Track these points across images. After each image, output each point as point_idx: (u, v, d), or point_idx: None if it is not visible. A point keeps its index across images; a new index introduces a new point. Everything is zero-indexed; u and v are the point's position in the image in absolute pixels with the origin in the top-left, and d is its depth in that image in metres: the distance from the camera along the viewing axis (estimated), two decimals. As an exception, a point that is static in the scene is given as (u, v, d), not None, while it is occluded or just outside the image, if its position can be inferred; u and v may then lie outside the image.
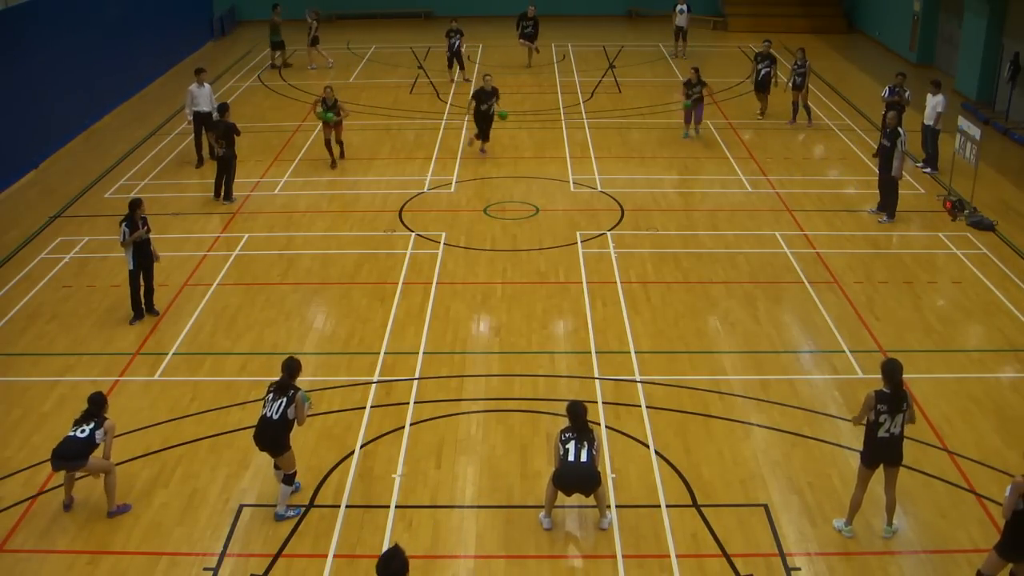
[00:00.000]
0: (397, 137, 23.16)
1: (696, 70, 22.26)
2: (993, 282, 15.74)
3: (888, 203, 18.03)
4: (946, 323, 14.55)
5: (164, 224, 17.76)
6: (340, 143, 21.20)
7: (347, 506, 10.66)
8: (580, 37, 33.65)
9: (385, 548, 9.97)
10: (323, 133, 21.06)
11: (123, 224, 14.21)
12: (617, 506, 10.56)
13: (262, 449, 10.45)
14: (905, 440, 9.96)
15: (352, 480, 11.05)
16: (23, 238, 17.71)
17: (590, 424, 10.25)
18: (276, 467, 10.67)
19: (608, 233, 17.53)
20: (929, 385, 12.80)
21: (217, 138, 19.04)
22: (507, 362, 13.54)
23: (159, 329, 14.46)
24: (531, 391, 12.85)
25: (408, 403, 12.53)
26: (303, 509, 10.56)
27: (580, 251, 16.83)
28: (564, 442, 10.01)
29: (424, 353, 13.70)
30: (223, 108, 19.24)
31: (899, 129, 17.56)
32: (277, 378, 10.44)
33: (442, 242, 17.22)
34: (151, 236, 14.53)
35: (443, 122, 24.23)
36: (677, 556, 9.90)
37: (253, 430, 10.45)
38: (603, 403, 12.44)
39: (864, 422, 9.87)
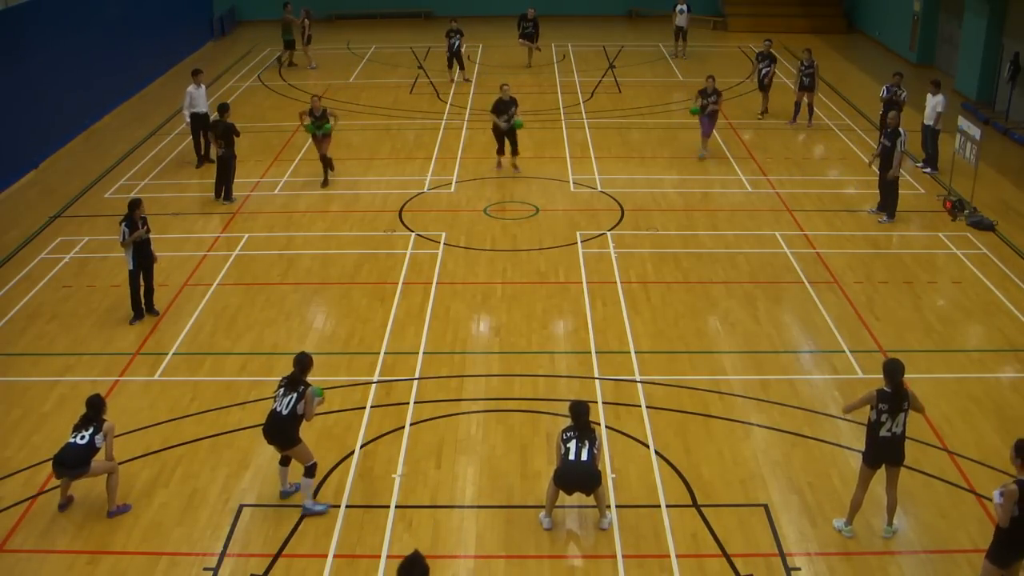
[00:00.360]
0: (397, 137, 23.16)
1: (712, 78, 21.08)
2: (993, 282, 15.74)
3: (888, 203, 18.03)
4: (946, 323, 14.55)
5: (164, 224, 17.76)
6: (327, 160, 19.70)
7: (347, 506, 10.66)
8: (580, 37, 33.65)
9: (385, 548, 10.01)
10: (317, 148, 19.70)
11: (123, 224, 14.21)
12: (617, 506, 10.56)
13: (272, 443, 10.48)
14: (906, 440, 9.96)
15: (352, 480, 11.05)
16: (23, 238, 17.71)
17: (592, 424, 10.26)
18: (282, 463, 10.70)
19: (608, 233, 17.53)
20: (929, 385, 12.79)
21: (216, 138, 19.06)
22: (507, 362, 13.54)
23: (159, 329, 14.46)
24: (531, 391, 12.85)
25: (408, 403, 12.53)
26: (328, 507, 10.56)
27: (580, 251, 16.83)
28: (565, 441, 10.02)
29: (424, 353, 13.70)
30: (223, 108, 19.24)
31: (899, 129, 17.57)
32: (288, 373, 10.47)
33: (442, 242, 17.22)
34: (151, 236, 14.54)
35: (443, 122, 24.23)
36: (677, 556, 9.90)
37: (261, 427, 10.48)
38: (603, 403, 12.44)
39: (851, 412, 9.87)
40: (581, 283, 15.68)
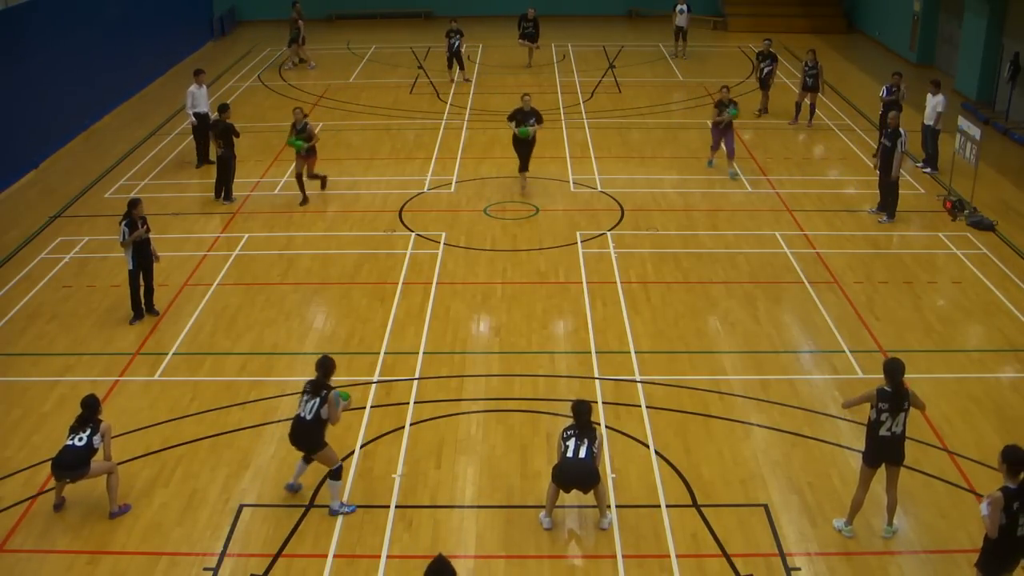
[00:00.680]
0: (397, 137, 23.16)
1: (726, 88, 20.23)
2: (993, 282, 15.74)
3: (888, 203, 18.03)
4: (946, 323, 14.55)
5: (164, 224, 17.76)
6: (318, 177, 19.10)
7: (347, 506, 10.68)
8: (580, 37, 33.64)
9: (385, 548, 10.02)
10: (295, 165, 18.79)
11: (123, 224, 14.21)
12: (617, 506, 10.56)
13: (298, 448, 10.53)
14: (906, 440, 9.96)
15: (352, 480, 11.05)
16: (23, 238, 17.71)
17: (593, 423, 10.26)
18: (304, 460, 10.70)
19: (608, 233, 17.53)
20: (929, 385, 12.78)
21: (215, 137, 19.06)
22: (507, 362, 13.54)
23: (159, 329, 14.46)
24: (531, 391, 12.85)
25: (408, 403, 12.53)
26: (355, 507, 10.58)
27: (580, 251, 16.83)
28: (565, 439, 10.04)
29: (424, 353, 13.69)
30: (224, 108, 19.23)
31: (900, 129, 17.56)
32: (312, 377, 10.51)
33: (442, 242, 17.22)
34: (151, 236, 14.54)
35: (443, 122, 24.22)
36: (677, 556, 9.90)
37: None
38: (603, 403, 12.44)
39: (850, 407, 9.86)
40: (581, 283, 15.67)
